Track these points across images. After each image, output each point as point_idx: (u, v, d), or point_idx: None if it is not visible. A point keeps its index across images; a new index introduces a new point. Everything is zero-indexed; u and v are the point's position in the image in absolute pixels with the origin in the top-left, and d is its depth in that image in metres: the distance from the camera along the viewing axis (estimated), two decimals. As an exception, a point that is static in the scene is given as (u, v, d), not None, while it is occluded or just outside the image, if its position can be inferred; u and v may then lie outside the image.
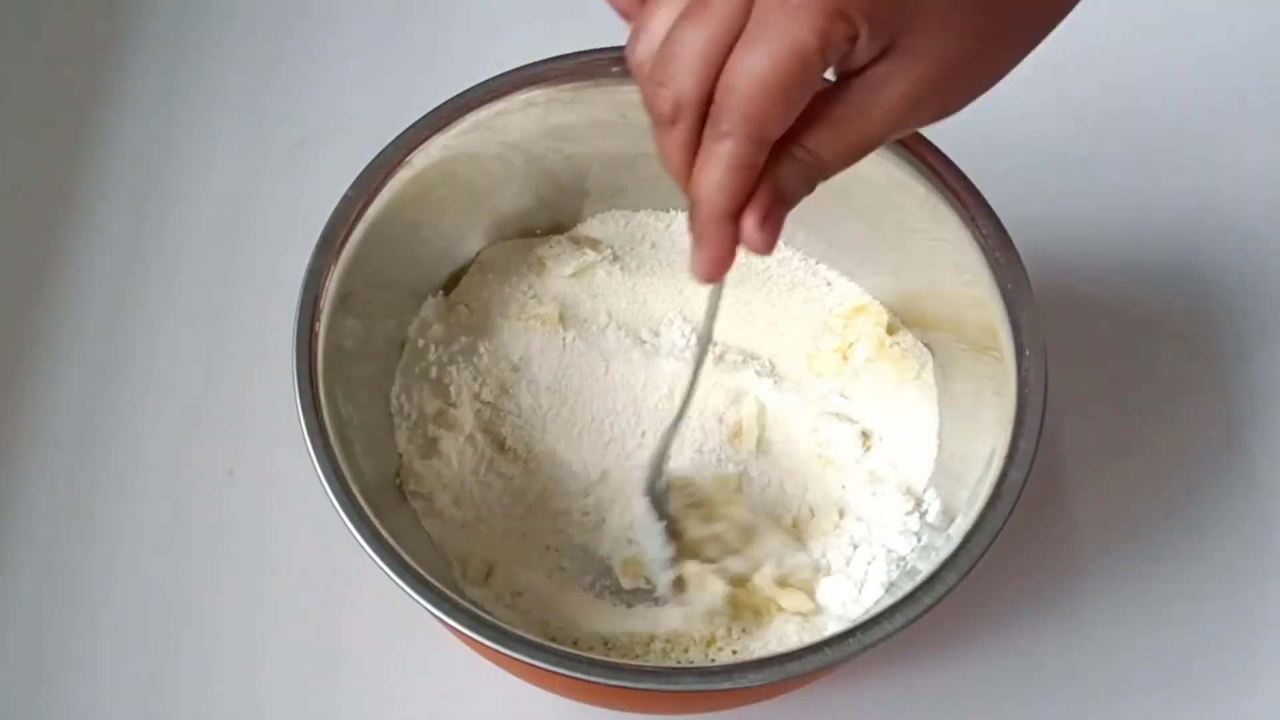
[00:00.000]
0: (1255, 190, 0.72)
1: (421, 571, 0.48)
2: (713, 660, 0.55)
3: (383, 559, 0.48)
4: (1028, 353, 0.52)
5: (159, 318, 0.68)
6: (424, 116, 0.56)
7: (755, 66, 0.39)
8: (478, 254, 0.63)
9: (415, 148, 0.56)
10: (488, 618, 0.48)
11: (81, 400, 0.65)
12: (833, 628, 0.54)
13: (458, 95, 0.57)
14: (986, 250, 0.54)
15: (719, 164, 0.41)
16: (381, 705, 0.58)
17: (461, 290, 0.63)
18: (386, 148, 0.56)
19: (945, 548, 0.49)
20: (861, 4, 0.39)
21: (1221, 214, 0.71)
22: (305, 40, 0.77)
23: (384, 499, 0.56)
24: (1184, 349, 0.68)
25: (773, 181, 0.42)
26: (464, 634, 0.47)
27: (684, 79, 0.41)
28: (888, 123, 0.42)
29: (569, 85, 0.58)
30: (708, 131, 0.41)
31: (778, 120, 0.41)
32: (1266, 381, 0.67)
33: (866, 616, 0.48)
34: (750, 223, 0.42)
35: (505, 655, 0.47)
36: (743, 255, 0.43)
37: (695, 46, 0.40)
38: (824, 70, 0.40)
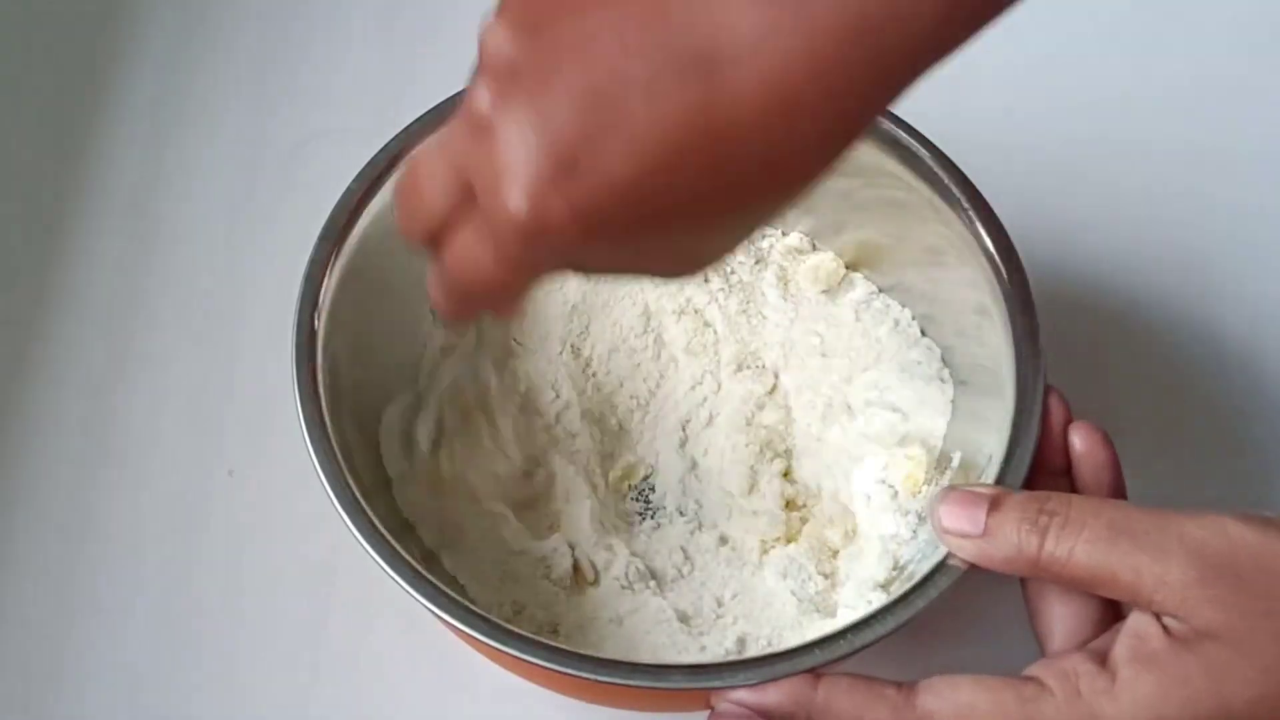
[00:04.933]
0: (1259, 193, 0.72)
1: (419, 567, 0.48)
2: None
3: (380, 555, 0.48)
4: (1027, 356, 0.52)
5: (159, 317, 0.68)
6: (429, 110, 0.56)
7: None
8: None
9: (420, 141, 0.56)
10: (480, 612, 0.48)
11: (81, 399, 0.65)
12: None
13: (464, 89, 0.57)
14: (986, 252, 0.54)
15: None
16: (381, 703, 0.58)
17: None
18: (391, 141, 0.56)
19: (940, 550, 0.49)
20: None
21: (1224, 217, 0.71)
22: (307, 39, 0.77)
23: (383, 494, 0.56)
24: (1182, 354, 0.68)
25: None
26: (457, 628, 0.47)
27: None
28: None
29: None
30: None
31: None
32: (1268, 384, 0.67)
33: (859, 618, 0.48)
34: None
35: (499, 650, 0.47)
36: None
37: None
38: None
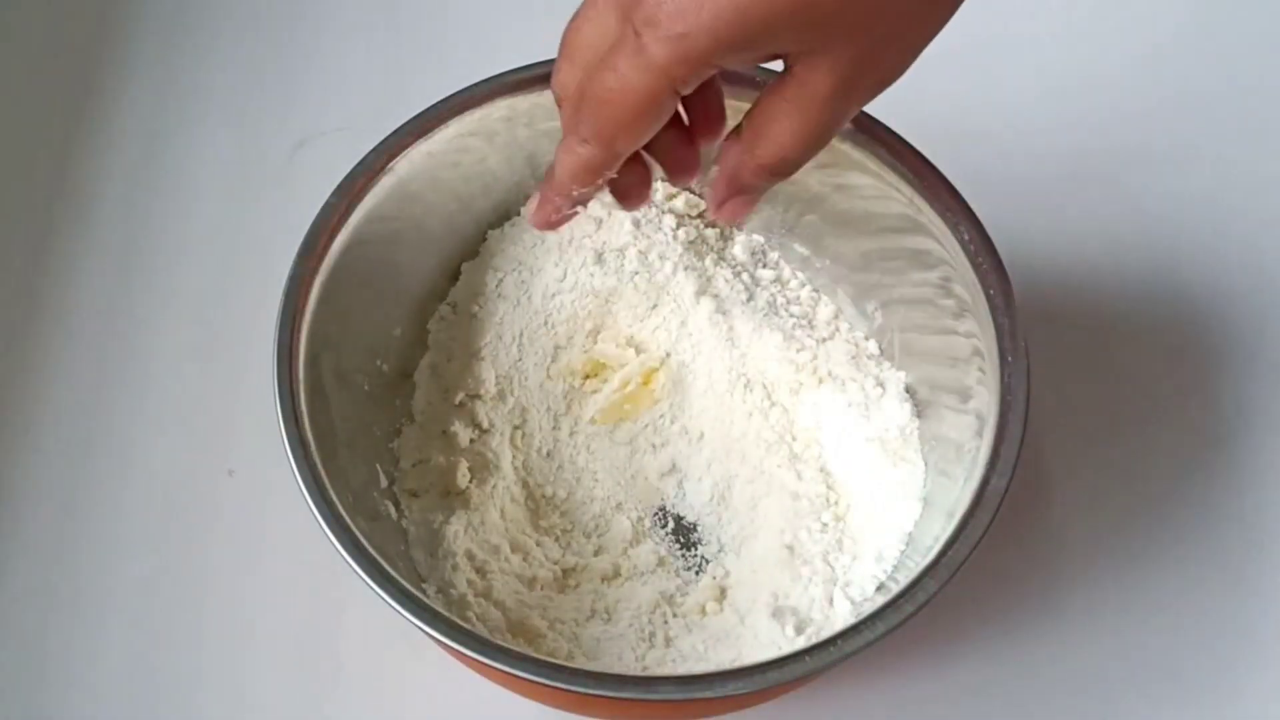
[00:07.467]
0: (1239, 197, 0.72)
1: (403, 581, 0.49)
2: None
3: (363, 568, 0.49)
4: (1010, 358, 0.52)
5: (159, 317, 0.68)
6: (406, 122, 0.56)
7: (607, 91, 0.42)
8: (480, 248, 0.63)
9: (397, 154, 0.56)
10: (464, 625, 0.48)
11: (81, 400, 0.65)
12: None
13: (441, 100, 0.57)
14: (970, 256, 0.54)
15: (573, 159, 0.45)
16: (379, 702, 0.59)
17: (460, 290, 0.62)
18: (368, 154, 0.56)
19: (927, 555, 0.49)
20: (706, 48, 0.40)
21: (1205, 220, 0.71)
22: (304, 40, 0.77)
23: (370, 504, 0.56)
24: (1165, 355, 0.68)
25: (733, 177, 0.46)
26: (442, 641, 0.48)
27: (563, 74, 0.45)
28: (828, 112, 0.43)
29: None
30: (569, 125, 0.45)
31: (627, 141, 0.44)
32: (1247, 386, 0.67)
33: (848, 625, 0.48)
34: (711, 209, 0.47)
35: (484, 664, 0.47)
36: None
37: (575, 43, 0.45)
38: (672, 104, 0.43)
